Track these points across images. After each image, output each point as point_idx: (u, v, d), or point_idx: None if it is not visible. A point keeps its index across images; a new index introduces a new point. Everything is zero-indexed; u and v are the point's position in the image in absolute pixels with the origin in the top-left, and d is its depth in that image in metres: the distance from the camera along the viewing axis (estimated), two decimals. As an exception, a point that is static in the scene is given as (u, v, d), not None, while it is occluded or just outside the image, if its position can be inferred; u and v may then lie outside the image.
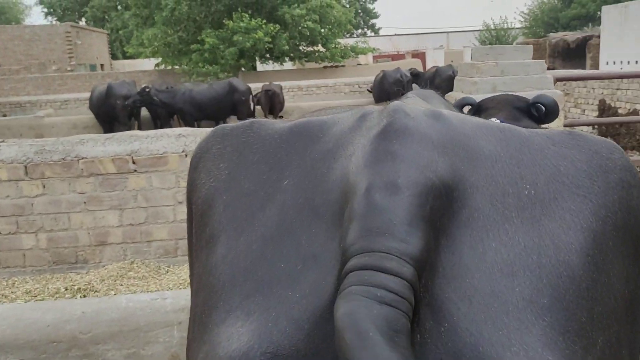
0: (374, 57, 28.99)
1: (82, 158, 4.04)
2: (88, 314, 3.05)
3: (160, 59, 21.00)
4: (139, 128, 14.18)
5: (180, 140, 4.15)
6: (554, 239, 0.75)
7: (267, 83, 14.30)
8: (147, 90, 13.66)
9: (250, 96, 13.65)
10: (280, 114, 14.52)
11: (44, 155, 3.99)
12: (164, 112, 14.02)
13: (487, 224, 0.75)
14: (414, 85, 13.17)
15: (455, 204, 0.76)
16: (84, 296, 3.79)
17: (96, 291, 3.83)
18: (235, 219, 0.86)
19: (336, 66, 20.58)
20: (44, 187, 4.03)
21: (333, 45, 20.53)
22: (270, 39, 18.64)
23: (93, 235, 4.21)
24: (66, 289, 3.89)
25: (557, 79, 4.92)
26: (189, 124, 13.60)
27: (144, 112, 14.26)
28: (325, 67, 20.72)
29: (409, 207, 0.70)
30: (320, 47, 20.85)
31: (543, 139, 0.85)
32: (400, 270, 0.66)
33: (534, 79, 4.35)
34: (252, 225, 0.84)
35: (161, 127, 14.10)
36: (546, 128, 1.39)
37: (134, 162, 4.09)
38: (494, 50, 4.47)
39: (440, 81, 13.08)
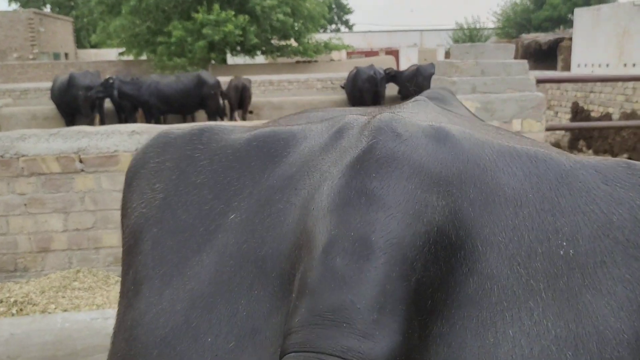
0: (348, 54, 28.80)
1: (23, 156, 3.65)
2: (17, 335, 2.70)
3: (124, 49, 20.41)
4: (102, 121, 13.72)
5: (134, 138, 3.79)
6: (599, 325, 0.54)
7: (235, 77, 13.93)
8: (111, 81, 13.25)
9: (220, 90, 13.32)
10: (250, 109, 14.21)
11: (-22, 152, 3.58)
12: (129, 104, 13.63)
13: (504, 300, 0.55)
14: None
15: (458, 270, 0.55)
16: (20, 310, 3.40)
17: (34, 304, 3.45)
18: (163, 262, 0.68)
19: (309, 61, 20.31)
20: (-22, 187, 3.63)
21: (306, 40, 20.26)
22: (240, 32, 18.23)
23: (34, 241, 3.82)
24: (1, 302, 3.50)
25: (539, 81, 4.70)
26: (154, 117, 13.29)
27: (108, 104, 13.78)
28: (297, 62, 20.42)
29: (383, 281, 0.50)
30: (293, 42, 20.53)
31: (591, 174, 0.63)
32: None
33: (516, 80, 4.11)
34: (182, 275, 0.65)
35: (125, 121, 13.76)
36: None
37: (81, 161, 3.71)
38: (475, 48, 4.21)
39: (423, 80, 12.82)
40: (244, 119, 13.78)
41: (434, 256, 0.54)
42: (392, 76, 14.18)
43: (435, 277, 0.53)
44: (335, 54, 24.25)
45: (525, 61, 4.24)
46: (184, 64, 18.29)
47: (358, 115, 0.72)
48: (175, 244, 0.68)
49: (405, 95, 14.27)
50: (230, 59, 21.73)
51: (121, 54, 21.26)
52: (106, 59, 24.27)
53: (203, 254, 0.66)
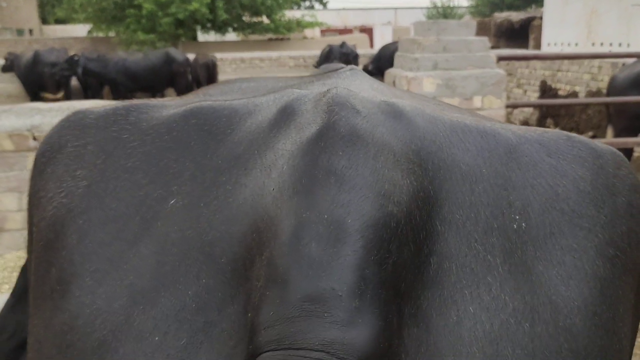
0: (322, 31, 28.56)
1: (-27, 133, 3.53)
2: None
3: (92, 25, 19.90)
4: (68, 98, 13.43)
5: (89, 115, 3.70)
6: (551, 295, 0.56)
7: (201, 54, 13.73)
8: (76, 58, 12.98)
9: (189, 68, 13.14)
10: (221, 87, 14.06)
11: None
12: (95, 82, 13.39)
13: (463, 278, 0.55)
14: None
15: (421, 250, 0.54)
16: (-28, 291, 3.33)
17: (-13, 285, 3.38)
18: (94, 257, 0.60)
19: (281, 39, 20.09)
20: None
21: (278, 17, 19.99)
22: (208, 10, 17.89)
23: (-12, 221, 3.72)
24: (-48, 283, 3.42)
25: (500, 58, 4.71)
26: (121, 95, 13.06)
27: (75, 81, 13.49)
28: (270, 39, 20.19)
29: (362, 266, 0.48)
30: (265, 19, 20.26)
31: (535, 148, 0.64)
32: None
33: (477, 57, 4.11)
34: (118, 269, 0.58)
35: (93, 97, 13.52)
36: None
37: (34, 139, 3.61)
38: (437, 25, 4.20)
39: (385, 61, 12.83)
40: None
41: (405, 237, 0.52)
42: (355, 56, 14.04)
43: (407, 259, 0.52)
44: (308, 32, 24.06)
45: (485, 38, 4.24)
46: (153, 40, 17.91)
47: (304, 90, 0.68)
48: (107, 236, 0.61)
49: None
50: (202, 36, 21.37)
51: (90, 31, 20.73)
52: (73, 35, 23.63)
53: (140, 245, 0.59)
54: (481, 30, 24.72)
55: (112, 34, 19.40)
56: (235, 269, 0.54)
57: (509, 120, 9.91)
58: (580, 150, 0.65)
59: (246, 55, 16.08)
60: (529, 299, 0.56)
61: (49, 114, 3.67)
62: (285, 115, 0.62)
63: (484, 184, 0.61)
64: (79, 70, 13.02)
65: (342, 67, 0.84)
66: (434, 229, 0.56)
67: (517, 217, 0.59)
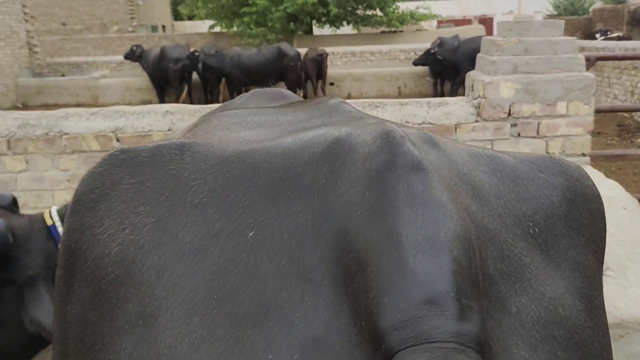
0: (439, 22, 27.81)
1: (66, 134, 3.88)
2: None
3: (214, 21, 20.92)
4: (189, 92, 14.29)
5: (167, 118, 3.92)
6: (567, 284, 0.69)
7: (311, 48, 13.94)
8: (196, 54, 13.72)
9: (300, 62, 13.42)
10: (331, 81, 14.23)
11: (27, 129, 3.85)
12: (213, 76, 14.09)
13: (512, 275, 0.65)
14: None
15: (482, 255, 0.63)
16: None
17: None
18: (178, 290, 0.62)
19: (394, 31, 19.83)
20: (27, 162, 3.91)
21: (391, 10, 19.74)
22: (318, 4, 18.09)
23: (79, 213, 4.08)
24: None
25: (598, 58, 4.31)
26: (236, 88, 13.64)
27: (196, 75, 14.31)
28: (382, 32, 20.01)
29: (460, 271, 0.56)
30: (378, 11, 20.12)
31: (529, 166, 0.79)
32: None
33: (562, 60, 3.79)
34: (209, 299, 0.61)
35: (210, 92, 14.27)
36: None
37: (118, 140, 3.90)
38: (519, 25, 3.92)
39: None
40: (323, 90, 13.83)
41: (475, 245, 0.61)
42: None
43: (479, 264, 0.60)
44: (425, 23, 23.49)
45: (574, 39, 3.89)
46: (265, 33, 18.47)
47: (337, 124, 0.77)
48: (187, 269, 0.63)
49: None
50: (318, 30, 21.69)
51: (211, 26, 21.83)
52: (198, 31, 25.04)
53: (229, 275, 0.62)
54: (614, 18, 22.70)
55: (231, 29, 20.25)
56: (336, 289, 0.59)
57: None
58: (561, 166, 0.80)
59: (357, 48, 16.09)
60: (555, 289, 0.67)
61: (132, 116, 3.94)
62: (346, 148, 0.68)
63: (504, 198, 0.72)
64: (199, 66, 13.75)
65: (321, 99, 0.95)
66: (484, 236, 0.65)
67: (531, 224, 0.72)
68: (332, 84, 14.55)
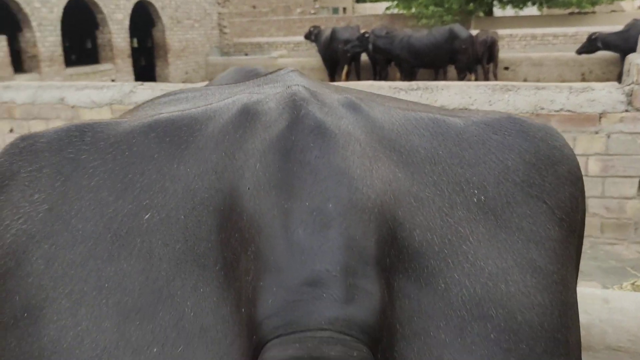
0: (643, 2, 24.67)
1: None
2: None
3: (391, 3, 20.89)
4: (357, 74, 14.51)
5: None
6: (516, 258, 0.63)
7: (482, 30, 13.25)
8: (367, 35, 13.84)
9: (472, 45, 12.87)
10: (506, 65, 13.46)
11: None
12: (382, 58, 14.12)
13: (444, 248, 0.60)
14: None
15: (402, 226, 0.58)
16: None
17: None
18: (67, 280, 0.59)
19: (584, 13, 18.06)
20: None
21: (581, -11, 18.00)
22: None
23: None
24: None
25: None
26: (405, 71, 13.52)
27: (365, 57, 14.49)
28: (570, 13, 18.34)
29: (349, 246, 0.51)
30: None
31: (481, 128, 0.72)
32: (350, 357, 0.47)
33: None
34: (99, 288, 0.58)
35: (379, 74, 14.35)
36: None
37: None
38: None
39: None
40: (495, 75, 13.15)
41: (383, 216, 0.56)
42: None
43: (387, 235, 0.56)
44: (625, 3, 21.05)
45: None
46: (441, 14, 17.99)
47: (259, 92, 0.72)
48: (78, 257, 0.60)
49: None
50: (499, 11, 20.59)
51: (387, 8, 21.85)
52: (377, 13, 25.21)
53: (121, 261, 0.59)
54: None
55: (409, 10, 20.06)
56: (226, 274, 0.56)
57: None
58: (521, 126, 0.72)
59: (538, 31, 14.97)
60: (499, 263, 0.61)
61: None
62: (249, 116, 0.64)
63: (442, 164, 0.66)
64: (370, 47, 13.87)
65: (280, 70, 0.88)
66: (410, 206, 0.60)
67: (476, 191, 0.65)
68: (506, 68, 13.74)
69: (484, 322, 0.57)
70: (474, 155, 0.68)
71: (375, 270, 0.52)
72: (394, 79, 14.02)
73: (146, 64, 16.23)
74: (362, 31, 14.37)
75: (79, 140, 0.68)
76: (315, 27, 15.72)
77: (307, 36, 15.67)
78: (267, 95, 0.68)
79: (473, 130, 0.71)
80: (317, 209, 0.53)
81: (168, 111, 0.73)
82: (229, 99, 0.70)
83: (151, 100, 0.93)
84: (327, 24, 18.99)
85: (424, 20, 18.17)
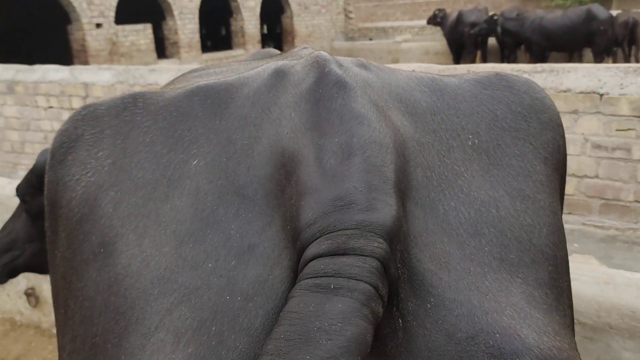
0: None
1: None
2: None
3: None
4: (484, 58, 14.06)
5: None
6: (507, 188, 0.75)
7: (623, 11, 12.20)
8: (495, 18, 13.34)
9: (611, 26, 11.94)
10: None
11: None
12: (511, 41, 13.55)
13: (442, 182, 0.72)
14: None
15: (410, 162, 0.71)
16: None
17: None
18: (132, 218, 0.70)
19: None
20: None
21: None
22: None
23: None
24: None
25: None
26: (535, 54, 12.87)
27: (493, 41, 13.99)
28: None
29: (370, 170, 0.63)
30: None
31: (473, 85, 0.85)
32: (368, 247, 0.57)
33: None
34: (158, 222, 0.69)
35: (507, 57, 13.78)
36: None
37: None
38: None
39: None
40: (637, 59, 12.13)
41: (396, 150, 0.67)
42: None
43: (401, 166, 0.67)
44: None
45: None
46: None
47: (283, 61, 0.84)
48: (140, 200, 0.71)
49: None
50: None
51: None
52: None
53: (175, 200, 0.70)
54: None
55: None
56: (269, 202, 0.67)
57: None
58: (508, 81, 0.86)
59: (691, 10, 13.54)
60: (492, 193, 0.73)
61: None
62: (280, 78, 0.77)
63: (441, 114, 0.79)
64: (498, 29, 13.34)
65: (295, 48, 1.03)
66: (414, 148, 0.72)
67: (470, 136, 0.78)
68: (648, 51, 12.63)
69: (478, 238, 0.68)
70: (468, 107, 0.81)
71: (393, 189, 0.62)
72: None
73: (275, 49, 16.82)
74: (491, 13, 13.87)
75: (132, 105, 0.80)
76: (440, 10, 15.41)
77: (430, 20, 15.39)
78: (291, 62, 0.80)
79: (466, 87, 0.84)
80: (344, 143, 0.65)
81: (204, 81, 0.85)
82: (258, 69, 0.82)
83: (182, 75, 1.08)
84: (454, 7, 18.51)
85: (558, 1, 17.08)
